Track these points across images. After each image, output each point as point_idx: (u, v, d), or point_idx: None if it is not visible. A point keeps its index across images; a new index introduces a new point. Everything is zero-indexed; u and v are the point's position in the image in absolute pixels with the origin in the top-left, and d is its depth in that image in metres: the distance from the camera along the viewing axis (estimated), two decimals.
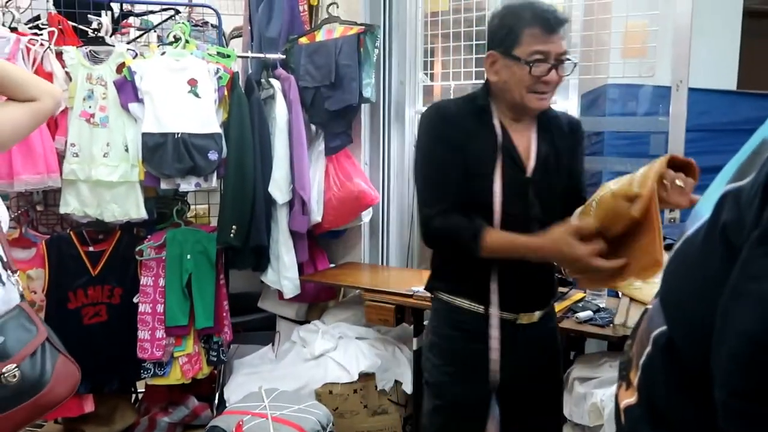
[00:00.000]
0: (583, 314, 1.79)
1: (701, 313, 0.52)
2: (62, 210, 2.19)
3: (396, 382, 2.26)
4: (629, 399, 0.62)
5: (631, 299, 1.56)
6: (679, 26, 2.05)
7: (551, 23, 1.29)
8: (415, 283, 2.23)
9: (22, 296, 1.44)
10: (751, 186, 0.48)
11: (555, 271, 1.48)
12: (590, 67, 2.31)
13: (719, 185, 0.56)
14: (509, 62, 1.32)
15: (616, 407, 0.66)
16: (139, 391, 2.63)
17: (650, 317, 0.63)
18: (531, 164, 1.39)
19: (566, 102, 2.59)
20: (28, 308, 1.44)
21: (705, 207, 0.56)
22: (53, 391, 1.39)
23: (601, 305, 1.87)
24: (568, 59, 1.33)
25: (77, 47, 2.19)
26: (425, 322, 2.29)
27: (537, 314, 1.42)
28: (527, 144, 1.41)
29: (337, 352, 2.31)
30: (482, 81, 1.46)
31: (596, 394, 1.56)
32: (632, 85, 2.81)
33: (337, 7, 2.50)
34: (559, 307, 1.87)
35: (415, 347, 2.23)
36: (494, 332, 1.37)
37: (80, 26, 2.31)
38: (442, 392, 1.45)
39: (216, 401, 2.55)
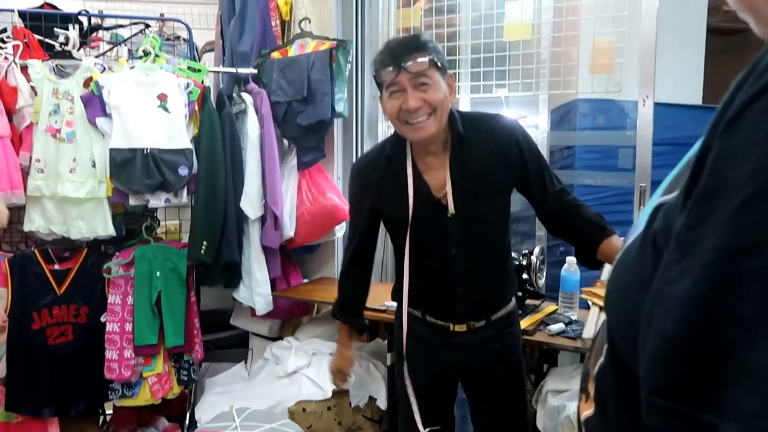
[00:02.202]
0: (555, 327, 1.80)
1: (634, 321, 0.53)
2: (26, 227, 2.13)
3: (370, 398, 2.24)
4: (588, 411, 0.63)
5: (600, 308, 1.57)
6: (645, 43, 2.10)
7: (391, 58, 1.37)
8: (388, 298, 2.20)
9: None
10: (678, 195, 0.50)
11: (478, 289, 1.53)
12: (559, 83, 2.34)
13: (656, 197, 0.59)
14: (384, 102, 1.43)
15: (578, 420, 0.67)
16: (107, 413, 2.56)
17: (604, 329, 0.65)
18: (449, 199, 1.45)
19: (536, 117, 2.62)
20: None
21: (643, 218, 0.59)
22: None
23: (573, 317, 1.88)
24: (424, 81, 1.36)
25: (43, 61, 2.16)
26: None
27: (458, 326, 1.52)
28: (442, 180, 1.46)
29: (311, 368, 2.28)
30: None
31: (569, 406, 1.56)
32: (602, 99, 2.86)
33: (310, 22, 2.50)
34: (531, 320, 1.89)
35: (389, 362, 2.21)
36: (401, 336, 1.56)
37: (47, 40, 2.28)
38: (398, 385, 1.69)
39: (187, 422, 2.49)
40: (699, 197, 0.46)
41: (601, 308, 1.56)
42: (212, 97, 2.34)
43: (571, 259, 1.91)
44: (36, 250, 2.20)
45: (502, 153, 1.45)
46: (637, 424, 0.50)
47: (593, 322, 1.50)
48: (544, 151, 2.65)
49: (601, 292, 1.62)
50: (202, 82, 2.29)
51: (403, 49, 1.37)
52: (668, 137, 3.01)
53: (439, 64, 1.37)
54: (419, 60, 1.35)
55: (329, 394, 2.18)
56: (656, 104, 2.14)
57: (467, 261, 1.47)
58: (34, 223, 2.12)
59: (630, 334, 0.52)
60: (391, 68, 1.36)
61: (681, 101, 3.22)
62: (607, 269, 1.78)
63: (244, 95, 2.40)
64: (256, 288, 2.38)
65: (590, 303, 1.69)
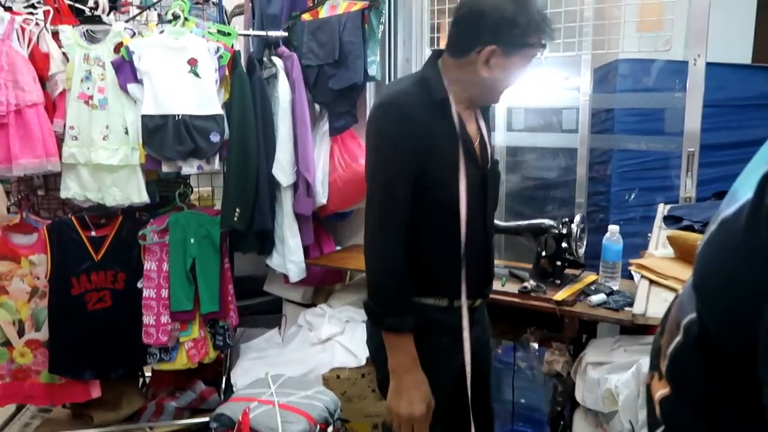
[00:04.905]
0: (596, 298, 1.75)
1: (741, 301, 0.48)
2: (63, 194, 2.15)
3: None
4: (663, 390, 0.59)
5: (651, 282, 1.51)
6: None
7: (549, 33, 1.30)
8: None
9: None
10: None
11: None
12: (603, 42, 2.22)
13: (760, 163, 0.51)
14: (509, 59, 1.28)
15: (649, 399, 0.63)
16: (146, 375, 2.62)
17: (680, 304, 0.59)
18: (485, 156, 1.41)
19: (578, 78, 2.51)
20: None
21: (744, 187, 0.51)
22: None
23: (615, 288, 1.82)
24: None
25: (73, 26, 2.13)
26: None
27: (479, 300, 1.49)
28: (476, 134, 1.39)
29: (345, 336, 2.28)
30: None
31: (610, 379, 1.52)
32: (643, 60, 2.72)
33: None
34: (570, 290, 1.84)
35: None
36: (465, 323, 1.36)
37: (76, 5, 2.25)
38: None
39: (223, 385, 2.54)
40: None
41: (651, 282, 1.49)
42: (242, 62, 2.30)
43: (613, 228, 1.84)
44: (73, 217, 2.22)
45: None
46: (728, 409, 0.46)
47: (644, 296, 1.44)
48: (585, 115, 2.56)
49: (651, 263, 1.56)
50: (232, 46, 2.25)
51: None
52: (716, 98, 2.86)
53: None
54: None
55: (363, 362, 2.18)
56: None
57: (491, 221, 1.47)
58: (70, 190, 2.14)
59: (734, 318, 0.47)
60: (545, 42, 1.30)
61: (729, 60, 3.05)
62: (655, 239, 1.71)
63: (275, 59, 2.36)
64: (289, 255, 2.38)
65: (636, 275, 1.62)
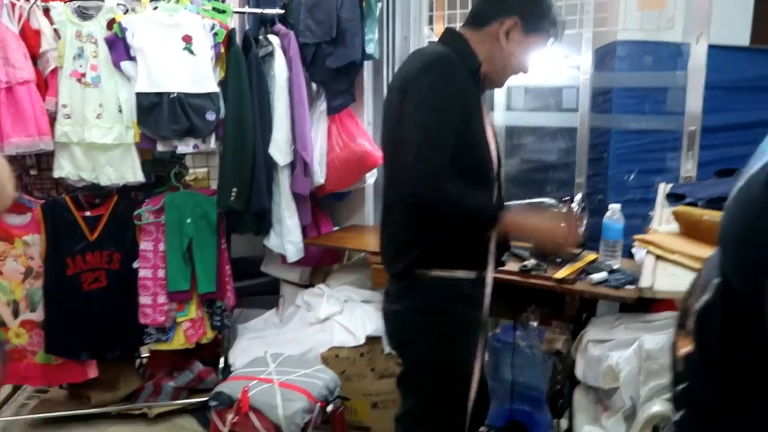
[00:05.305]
0: (597, 276, 1.74)
1: (760, 255, 0.49)
2: (56, 174, 2.12)
3: None
4: (687, 348, 0.62)
5: (657, 258, 1.50)
6: None
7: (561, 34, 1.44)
8: None
9: None
10: None
11: None
12: (605, 20, 2.20)
13: None
14: (526, 37, 1.37)
15: (673, 356, 0.66)
16: (143, 356, 2.61)
17: (710, 265, 0.60)
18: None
19: (579, 57, 2.49)
20: None
21: None
22: None
23: (615, 266, 1.82)
24: None
25: (65, 3, 2.09)
26: None
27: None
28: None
29: (343, 315, 2.27)
30: None
31: (611, 356, 1.52)
32: (641, 42, 2.70)
33: None
34: (571, 269, 1.83)
35: None
36: (488, 294, 1.45)
37: None
38: (458, 368, 1.43)
39: (221, 365, 2.53)
40: None
41: (657, 257, 1.49)
42: (238, 40, 2.26)
43: (614, 206, 1.84)
44: (67, 197, 2.19)
45: None
46: (744, 361, 0.46)
47: (650, 271, 1.43)
48: (586, 93, 2.54)
49: (656, 239, 1.56)
50: (228, 23, 2.21)
51: None
52: (714, 80, 2.85)
53: None
54: None
55: (362, 341, 2.18)
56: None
57: None
58: (64, 169, 2.10)
59: (752, 268, 0.47)
60: (555, 36, 1.41)
61: (728, 42, 3.03)
62: (658, 216, 1.71)
63: (271, 37, 2.32)
64: (287, 235, 2.36)
65: (639, 253, 1.61)
